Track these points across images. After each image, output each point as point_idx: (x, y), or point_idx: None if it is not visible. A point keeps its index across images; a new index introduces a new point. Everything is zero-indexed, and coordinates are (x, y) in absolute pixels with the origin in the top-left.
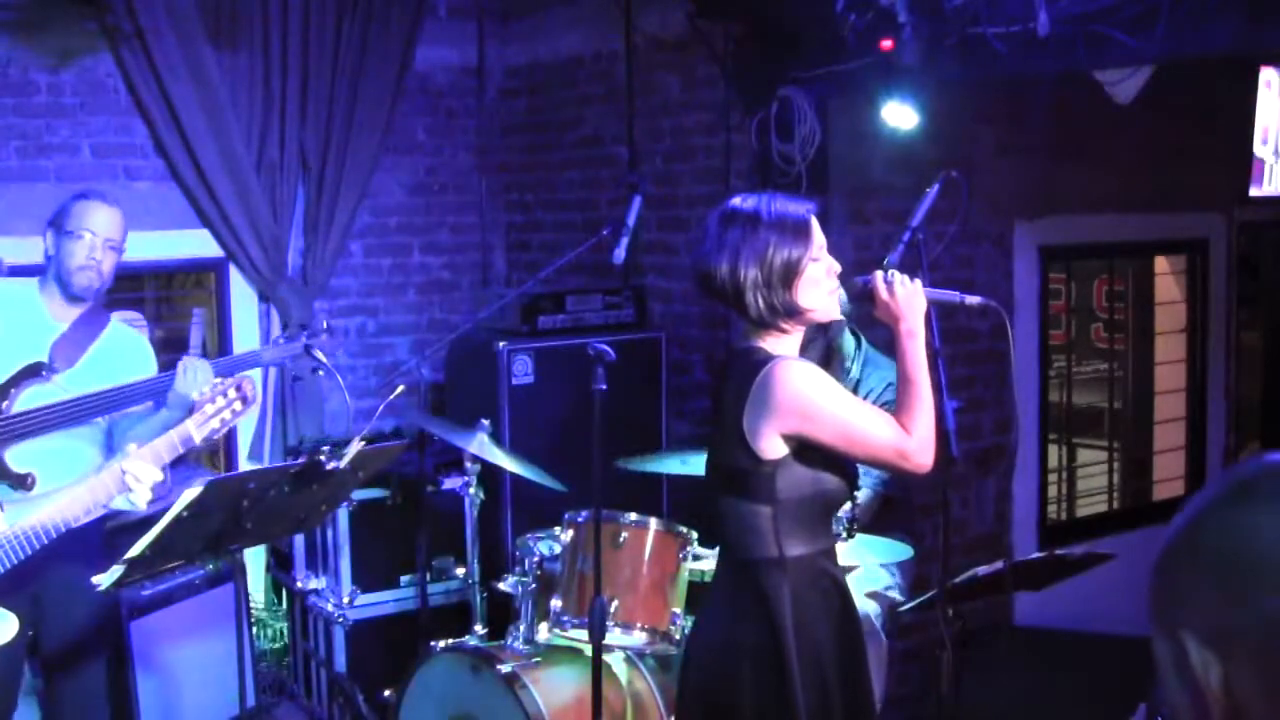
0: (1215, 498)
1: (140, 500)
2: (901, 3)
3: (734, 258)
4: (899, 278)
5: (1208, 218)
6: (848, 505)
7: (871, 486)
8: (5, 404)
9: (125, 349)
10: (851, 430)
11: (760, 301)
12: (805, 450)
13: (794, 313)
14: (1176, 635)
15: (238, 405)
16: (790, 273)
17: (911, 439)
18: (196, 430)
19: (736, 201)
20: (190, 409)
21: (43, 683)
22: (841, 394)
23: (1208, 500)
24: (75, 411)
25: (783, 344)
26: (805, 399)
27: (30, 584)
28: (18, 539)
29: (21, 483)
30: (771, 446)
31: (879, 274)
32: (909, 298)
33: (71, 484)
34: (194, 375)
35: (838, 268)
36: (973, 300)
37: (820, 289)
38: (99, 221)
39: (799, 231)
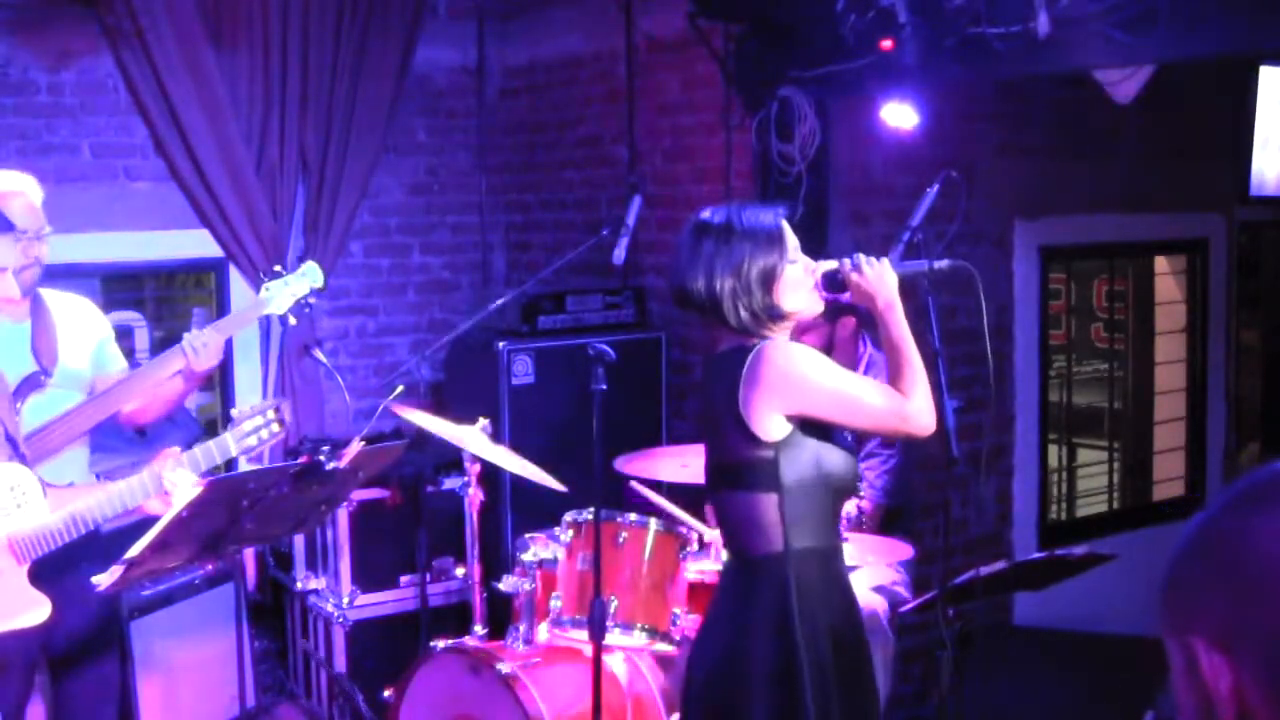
0: (1227, 504)
1: (177, 505)
2: (901, 3)
3: (709, 271)
4: (864, 258)
5: (1208, 218)
6: (851, 508)
7: (875, 500)
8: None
9: (82, 320)
10: (848, 399)
11: (741, 309)
12: (805, 428)
13: (777, 316)
14: (1187, 640)
15: (275, 427)
16: (768, 279)
17: (910, 401)
18: (235, 444)
19: (706, 214)
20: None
21: (50, 682)
22: (833, 366)
23: (1220, 506)
24: (99, 410)
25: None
26: (797, 372)
27: (42, 583)
28: (63, 525)
29: None
30: (771, 427)
31: (846, 260)
32: (878, 275)
33: (96, 485)
34: (204, 349)
35: (814, 265)
36: (941, 264)
37: (801, 290)
38: (23, 217)
39: (772, 239)
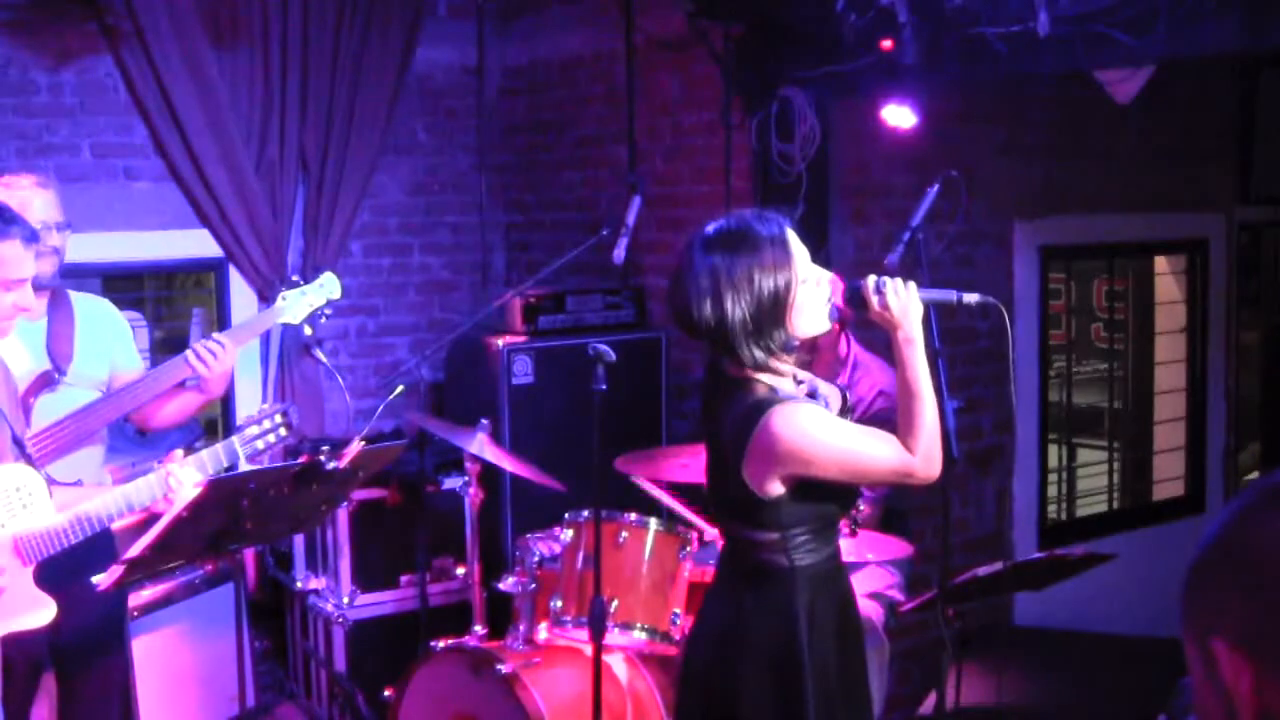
0: (1248, 505)
1: (178, 504)
2: (901, 3)
3: (717, 300)
4: (891, 284)
5: (1208, 218)
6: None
7: (872, 501)
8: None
9: (101, 321)
10: (854, 463)
11: (755, 348)
12: (808, 484)
13: (790, 349)
14: (1207, 641)
15: (283, 430)
16: (780, 305)
17: (915, 457)
18: (242, 448)
19: (708, 231)
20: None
21: (57, 681)
22: (840, 430)
23: (1241, 508)
24: (110, 410)
25: (777, 379)
26: (806, 446)
27: (50, 584)
28: (69, 526)
29: None
30: (774, 488)
31: (870, 280)
32: (903, 305)
33: (104, 485)
34: (214, 361)
35: (828, 275)
36: (971, 298)
37: (812, 308)
38: (45, 210)
39: (779, 256)
